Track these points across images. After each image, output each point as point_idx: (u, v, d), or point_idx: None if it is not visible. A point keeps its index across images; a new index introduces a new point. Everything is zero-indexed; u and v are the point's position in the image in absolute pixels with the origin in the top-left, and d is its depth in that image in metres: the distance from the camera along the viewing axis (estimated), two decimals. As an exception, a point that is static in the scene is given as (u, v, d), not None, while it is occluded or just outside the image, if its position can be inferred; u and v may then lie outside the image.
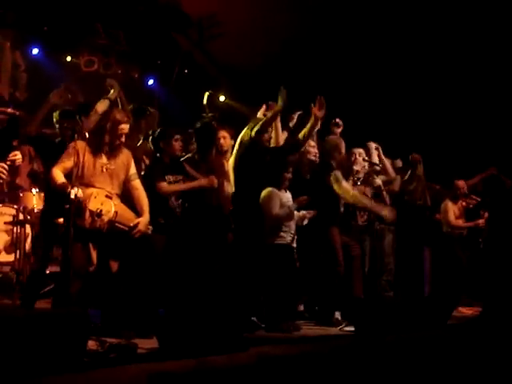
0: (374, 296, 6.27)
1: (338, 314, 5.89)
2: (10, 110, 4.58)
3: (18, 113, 4.63)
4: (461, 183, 7.87)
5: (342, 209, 6.20)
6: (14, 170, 4.26)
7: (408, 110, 9.08)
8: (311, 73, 8.76)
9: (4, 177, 4.16)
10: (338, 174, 6.08)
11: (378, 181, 6.71)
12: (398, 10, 8.19)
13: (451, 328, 5.12)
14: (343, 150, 6.33)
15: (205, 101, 7.45)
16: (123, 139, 4.70)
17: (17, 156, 4.31)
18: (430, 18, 8.26)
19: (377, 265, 6.56)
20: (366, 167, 6.58)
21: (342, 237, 6.06)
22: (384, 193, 6.73)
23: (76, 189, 4.31)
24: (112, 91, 5.31)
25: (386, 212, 6.10)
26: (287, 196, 5.72)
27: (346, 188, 6.04)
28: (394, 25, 8.38)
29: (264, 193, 5.63)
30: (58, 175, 4.48)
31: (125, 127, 4.68)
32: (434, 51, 8.70)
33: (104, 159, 4.66)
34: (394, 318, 4.80)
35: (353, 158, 6.39)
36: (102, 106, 5.13)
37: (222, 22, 8.79)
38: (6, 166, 4.18)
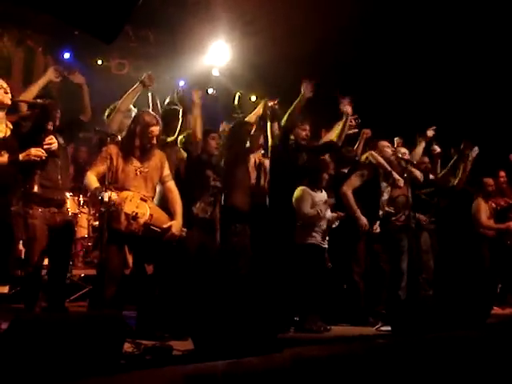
0: (412, 295, 6.19)
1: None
2: (39, 100, 4.60)
3: (47, 102, 4.63)
4: (489, 181, 7.65)
5: (381, 212, 6.20)
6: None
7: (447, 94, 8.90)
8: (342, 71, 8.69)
9: (40, 160, 4.22)
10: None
11: (437, 148, 6.78)
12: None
13: (491, 327, 5.03)
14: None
15: (235, 101, 7.41)
16: (154, 141, 4.68)
17: (52, 139, 4.34)
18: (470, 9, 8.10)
19: (415, 263, 6.47)
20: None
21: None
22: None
23: (109, 192, 4.33)
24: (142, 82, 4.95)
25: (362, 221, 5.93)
26: (321, 196, 5.68)
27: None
28: (427, 18, 8.25)
29: (297, 191, 5.61)
30: (93, 180, 4.51)
31: (155, 129, 4.65)
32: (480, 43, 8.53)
33: (137, 162, 4.65)
34: (433, 317, 4.72)
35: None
36: (125, 104, 4.98)
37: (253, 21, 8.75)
38: (42, 151, 4.23)
